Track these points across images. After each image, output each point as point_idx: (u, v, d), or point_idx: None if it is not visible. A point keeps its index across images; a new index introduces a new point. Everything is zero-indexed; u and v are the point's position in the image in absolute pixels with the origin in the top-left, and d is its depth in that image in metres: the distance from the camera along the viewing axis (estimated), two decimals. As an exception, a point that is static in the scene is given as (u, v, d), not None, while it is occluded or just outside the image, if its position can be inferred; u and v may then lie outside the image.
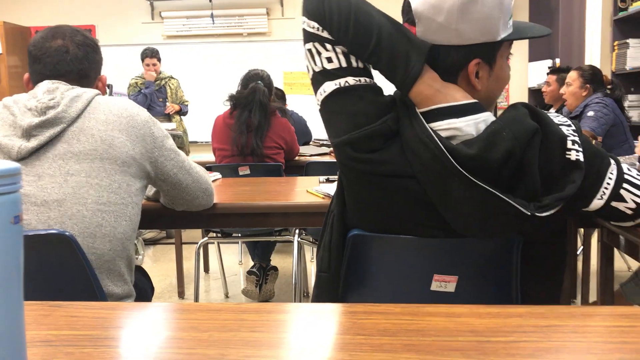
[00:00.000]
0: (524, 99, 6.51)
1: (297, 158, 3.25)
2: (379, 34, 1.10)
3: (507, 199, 1.02)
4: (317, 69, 1.16)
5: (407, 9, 1.13)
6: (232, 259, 3.96)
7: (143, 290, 1.58)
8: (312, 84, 1.20)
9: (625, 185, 1.15)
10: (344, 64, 1.14)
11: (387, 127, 1.09)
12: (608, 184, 1.13)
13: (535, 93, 6.26)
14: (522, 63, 6.49)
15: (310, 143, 4.18)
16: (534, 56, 6.36)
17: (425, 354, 0.65)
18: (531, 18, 6.37)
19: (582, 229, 3.06)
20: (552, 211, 1.04)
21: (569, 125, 1.10)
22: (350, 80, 1.13)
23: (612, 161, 1.15)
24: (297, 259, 2.71)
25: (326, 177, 2.27)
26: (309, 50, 1.17)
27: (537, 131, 1.05)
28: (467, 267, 1.20)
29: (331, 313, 0.81)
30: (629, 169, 1.19)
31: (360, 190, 1.16)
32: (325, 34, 1.14)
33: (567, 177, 1.07)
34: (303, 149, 3.47)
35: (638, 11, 4.37)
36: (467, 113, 1.08)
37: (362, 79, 1.14)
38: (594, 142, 2.84)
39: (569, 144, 1.07)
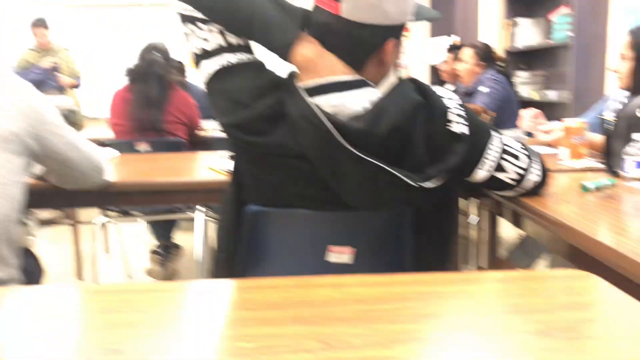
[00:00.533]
0: (425, 74, 6.71)
1: (200, 133, 3.18)
2: (252, 7, 1.10)
3: (395, 172, 1.05)
4: (196, 51, 1.16)
5: None
6: (135, 238, 3.84)
7: (31, 274, 1.50)
8: (195, 66, 1.19)
9: (506, 156, 1.22)
10: (221, 43, 1.13)
11: (272, 110, 1.09)
12: (490, 155, 1.19)
13: (433, 70, 6.47)
14: (422, 40, 6.67)
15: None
16: (434, 32, 6.56)
17: (311, 325, 0.67)
18: (432, -5, 6.54)
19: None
20: (436, 181, 1.09)
21: (452, 98, 1.14)
22: (231, 59, 1.13)
23: (494, 133, 1.22)
24: (202, 236, 2.67)
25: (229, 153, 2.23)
26: (186, 32, 1.16)
27: (422, 105, 1.08)
28: (362, 238, 1.23)
29: (221, 290, 0.81)
30: (510, 141, 1.26)
31: (252, 168, 1.17)
32: (198, 14, 1.13)
33: (450, 149, 1.11)
34: (205, 124, 3.40)
35: (528, -8, 4.59)
36: (353, 88, 1.09)
37: (242, 56, 1.14)
38: (488, 117, 2.99)
39: (451, 116, 1.11)
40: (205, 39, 1.13)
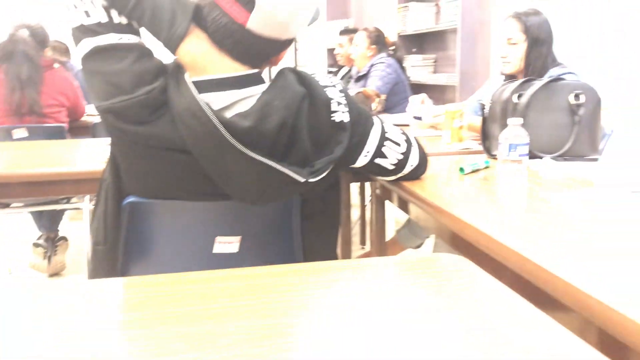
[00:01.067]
0: (324, 58, 6.75)
1: (84, 118, 3.01)
2: None
3: (282, 169, 1.04)
4: (74, 24, 1.06)
5: None
6: (15, 230, 3.60)
7: None
8: (73, 40, 1.10)
9: (386, 143, 1.24)
10: (103, 19, 1.05)
11: (153, 98, 1.03)
12: (372, 142, 1.21)
13: (332, 53, 6.53)
14: (318, 23, 6.70)
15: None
16: (330, 16, 6.60)
17: (176, 325, 0.64)
18: (327, -22, 6.56)
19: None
20: (324, 174, 1.09)
21: (334, 87, 1.14)
22: (112, 38, 1.05)
23: (376, 121, 1.24)
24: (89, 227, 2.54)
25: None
26: (67, 3, 1.06)
27: (305, 96, 1.07)
28: (250, 227, 1.21)
29: (86, 289, 0.76)
30: (390, 129, 1.28)
31: (131, 159, 1.11)
32: None
33: (334, 139, 1.12)
34: (91, 109, 3.22)
35: (417, -23, 4.72)
36: (247, 85, 1.07)
37: (126, 37, 1.06)
38: (378, 99, 3.05)
39: (334, 106, 1.11)
40: (86, 12, 1.05)
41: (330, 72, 5.89)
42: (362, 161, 1.22)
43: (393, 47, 3.63)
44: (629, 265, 0.81)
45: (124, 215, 1.15)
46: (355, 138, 1.18)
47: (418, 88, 4.88)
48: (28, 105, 2.61)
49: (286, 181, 1.06)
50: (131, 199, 1.14)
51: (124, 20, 1.07)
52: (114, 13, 1.06)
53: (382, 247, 1.68)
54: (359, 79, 3.57)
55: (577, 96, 1.65)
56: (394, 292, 0.73)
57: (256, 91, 1.07)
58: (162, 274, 0.79)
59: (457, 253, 1.16)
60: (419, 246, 2.49)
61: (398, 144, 1.27)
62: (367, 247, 3.27)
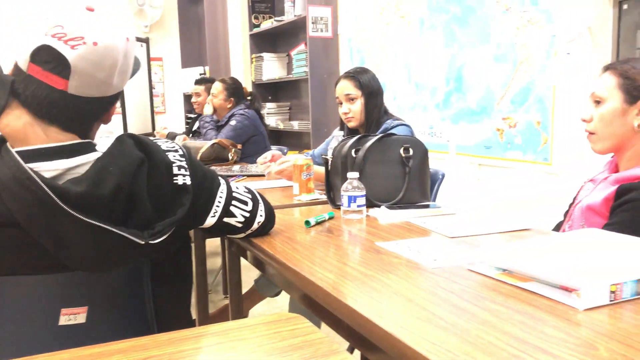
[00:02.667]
0: (180, 104, 6.72)
1: None
2: None
3: (120, 232, 1.05)
4: None
5: (57, 59, 1.05)
6: None
7: None
8: None
9: (234, 202, 1.30)
10: None
11: None
12: (219, 202, 1.26)
13: (189, 98, 6.52)
14: (176, 69, 6.68)
15: None
16: (186, 63, 6.62)
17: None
18: (181, 28, 6.60)
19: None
20: (165, 236, 1.11)
21: (176, 151, 1.18)
22: None
23: (222, 181, 1.29)
24: None
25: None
26: None
27: (143, 161, 1.09)
28: (97, 296, 1.19)
29: None
30: (237, 188, 1.35)
31: None
32: None
33: (177, 201, 1.15)
34: None
35: (269, 28, 4.93)
36: (73, 154, 1.07)
37: None
38: (234, 149, 3.11)
39: (175, 170, 1.14)
40: None
41: (188, 119, 5.88)
42: (210, 221, 1.26)
43: (250, 98, 3.74)
44: (444, 316, 0.93)
45: None
46: (202, 199, 1.22)
47: (275, 135, 5.05)
48: None
49: (125, 244, 1.06)
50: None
51: None
52: None
53: (240, 302, 1.72)
54: (219, 127, 3.63)
55: (406, 149, 1.83)
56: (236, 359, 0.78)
57: (89, 159, 1.07)
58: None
59: (307, 307, 1.23)
60: (277, 294, 2.56)
61: (245, 203, 1.34)
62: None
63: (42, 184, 0.99)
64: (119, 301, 1.24)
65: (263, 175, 2.68)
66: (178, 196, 1.15)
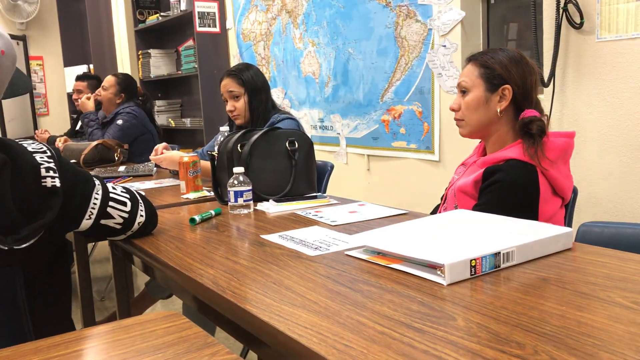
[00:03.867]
0: (64, 104, 6.39)
1: None
2: None
3: None
4: None
5: None
6: None
7: None
8: None
9: (111, 203, 1.27)
10: None
11: None
12: (95, 204, 1.22)
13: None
14: (58, 68, 6.33)
15: None
16: (68, 62, 6.29)
17: None
18: (62, 24, 6.26)
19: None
20: (32, 241, 1.06)
21: (44, 152, 1.13)
22: None
23: (97, 182, 1.25)
24: None
25: None
26: None
27: (5, 163, 1.04)
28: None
29: None
30: (114, 188, 1.31)
31: None
32: None
33: (45, 204, 1.10)
34: None
35: (155, 24, 4.79)
36: None
37: None
38: (120, 149, 3.01)
39: (43, 172, 1.10)
40: None
41: (73, 120, 5.60)
42: (86, 224, 1.22)
43: (142, 97, 3.61)
44: (319, 300, 0.96)
45: None
46: (76, 201, 1.18)
47: (167, 133, 4.92)
48: None
49: None
50: None
51: None
52: None
53: (127, 308, 1.67)
54: (105, 124, 3.48)
55: (292, 142, 1.86)
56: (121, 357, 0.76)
57: None
58: None
59: (195, 305, 1.22)
60: (169, 296, 2.51)
61: (124, 203, 1.30)
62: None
63: None
64: (-9, 314, 1.17)
65: (151, 175, 2.62)
66: (46, 199, 1.10)
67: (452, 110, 1.59)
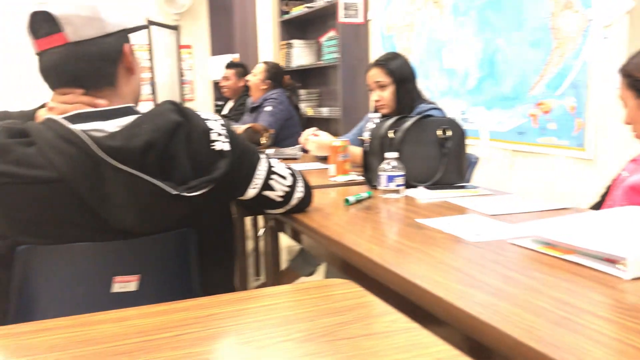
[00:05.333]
0: (209, 91, 6.79)
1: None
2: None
3: (154, 182, 1.09)
4: None
5: (46, 20, 1.13)
6: None
7: None
8: None
9: (274, 176, 1.34)
10: None
11: (1, 127, 1.10)
12: (259, 175, 1.30)
13: (218, 85, 6.58)
14: (205, 57, 6.74)
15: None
16: (215, 51, 6.68)
17: (92, 363, 0.69)
18: (211, 15, 6.65)
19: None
20: (199, 192, 1.14)
21: (216, 121, 1.23)
22: None
23: (262, 155, 1.34)
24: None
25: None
26: None
27: (180, 124, 1.14)
28: (147, 264, 1.24)
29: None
30: (276, 163, 1.39)
31: (8, 206, 1.11)
32: None
33: (214, 165, 1.19)
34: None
35: (299, 15, 4.95)
36: (115, 117, 1.14)
37: None
38: (267, 134, 3.16)
39: (214, 136, 1.19)
40: None
41: (217, 106, 5.94)
42: (251, 193, 1.31)
43: (289, 87, 3.77)
44: (491, 282, 0.96)
45: (15, 267, 1.14)
46: (243, 171, 1.27)
47: (304, 121, 5.07)
48: None
49: (159, 197, 1.10)
50: (19, 248, 1.13)
51: None
52: None
53: (276, 277, 1.76)
54: (253, 110, 3.68)
55: (444, 131, 1.85)
56: (293, 318, 0.82)
57: (125, 121, 1.13)
58: (71, 317, 0.82)
59: (347, 278, 1.27)
60: (311, 273, 2.60)
61: (284, 177, 1.38)
62: (262, 278, 3.33)
63: (85, 138, 1.06)
64: (167, 271, 1.29)
65: (296, 159, 2.72)
66: (215, 160, 1.19)
67: (626, 124, 1.54)
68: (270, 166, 1.34)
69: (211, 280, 1.31)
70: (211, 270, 1.30)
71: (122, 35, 1.21)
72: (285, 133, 3.56)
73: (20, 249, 1.13)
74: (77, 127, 1.09)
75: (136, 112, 1.17)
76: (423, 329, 0.74)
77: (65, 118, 1.11)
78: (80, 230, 1.13)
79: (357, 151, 2.16)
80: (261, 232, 3.47)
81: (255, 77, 3.70)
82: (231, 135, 1.23)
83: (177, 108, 1.17)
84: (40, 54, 1.16)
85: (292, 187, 1.40)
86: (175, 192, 1.11)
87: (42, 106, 1.24)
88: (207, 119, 1.21)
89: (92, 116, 1.13)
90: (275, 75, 3.72)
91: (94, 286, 1.21)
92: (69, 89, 1.16)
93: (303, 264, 2.52)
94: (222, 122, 1.24)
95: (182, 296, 1.29)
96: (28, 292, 1.17)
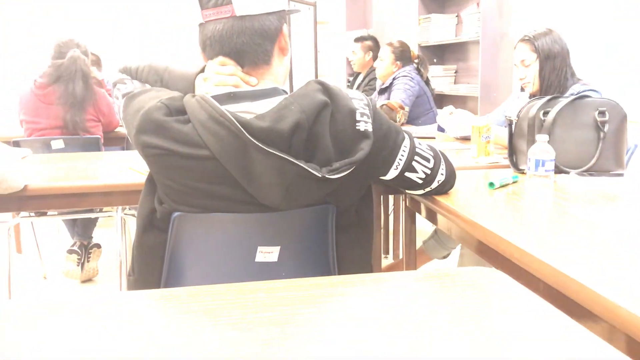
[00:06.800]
0: (343, 67, 6.83)
1: (117, 130, 3.12)
2: (166, 72, 1.39)
3: (299, 163, 1.11)
4: (119, 102, 1.34)
5: None
6: (49, 237, 3.71)
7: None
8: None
9: (416, 157, 1.31)
10: (137, 85, 1.35)
11: (167, 103, 1.16)
12: (402, 155, 1.27)
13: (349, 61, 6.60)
14: (339, 33, 6.78)
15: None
16: (350, 26, 6.68)
17: (247, 331, 0.71)
18: (347, -11, 6.65)
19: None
20: (342, 174, 1.15)
21: (361, 100, 1.21)
22: (137, 88, 1.31)
23: (406, 136, 1.30)
24: (121, 234, 2.63)
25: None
26: (115, 95, 1.39)
27: (327, 105, 1.14)
28: (287, 237, 1.27)
29: (153, 300, 0.83)
30: (420, 144, 1.35)
31: (165, 176, 1.19)
32: (126, 77, 1.40)
33: (358, 146, 1.17)
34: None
35: (439, -11, 4.78)
36: (265, 97, 1.17)
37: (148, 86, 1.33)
38: (402, 111, 3.11)
39: (358, 116, 1.17)
40: (126, 89, 1.34)
41: (348, 81, 5.97)
42: (392, 174, 1.28)
43: (417, 61, 3.69)
44: (658, 280, 0.87)
45: (172, 228, 1.22)
46: (386, 150, 1.24)
47: (439, 98, 4.94)
48: (72, 123, 2.73)
49: (305, 178, 1.12)
50: (174, 214, 1.21)
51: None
52: (146, 86, 1.35)
53: (413, 258, 1.74)
54: (382, 91, 3.64)
55: (602, 113, 1.70)
56: (426, 305, 0.79)
57: (273, 103, 1.15)
58: (225, 284, 0.86)
59: (485, 264, 1.22)
60: (445, 257, 2.55)
61: (427, 159, 1.33)
62: (390, 257, 3.32)
63: (234, 120, 1.09)
64: (305, 245, 1.31)
65: (433, 138, 2.66)
66: (358, 141, 1.17)
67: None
68: (413, 147, 1.30)
69: (347, 258, 1.31)
70: (348, 248, 1.31)
71: (282, 15, 1.23)
72: (418, 111, 3.48)
73: (175, 215, 1.21)
74: (228, 108, 1.12)
75: (284, 93, 1.20)
76: (577, 323, 0.69)
77: (217, 97, 1.15)
78: (229, 202, 1.19)
79: (501, 132, 2.06)
80: (390, 210, 3.46)
81: (383, 61, 3.65)
82: (375, 115, 1.21)
83: (324, 88, 1.17)
84: (204, 24, 1.21)
85: (434, 169, 1.35)
86: (320, 175, 1.12)
87: (202, 70, 1.29)
88: (353, 98, 1.20)
89: (242, 97, 1.17)
90: (402, 53, 3.64)
91: (237, 255, 1.27)
92: (228, 60, 1.20)
93: (437, 247, 2.47)
94: (366, 101, 1.22)
95: (318, 270, 1.32)
96: (178, 257, 1.26)
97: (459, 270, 0.93)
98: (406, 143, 1.28)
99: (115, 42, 6.39)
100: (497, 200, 1.42)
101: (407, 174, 1.30)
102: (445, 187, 1.43)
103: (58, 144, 2.71)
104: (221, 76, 1.20)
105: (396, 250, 3.31)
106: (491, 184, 1.53)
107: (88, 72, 2.79)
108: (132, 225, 3.25)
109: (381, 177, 1.30)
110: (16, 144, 2.63)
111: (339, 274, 1.30)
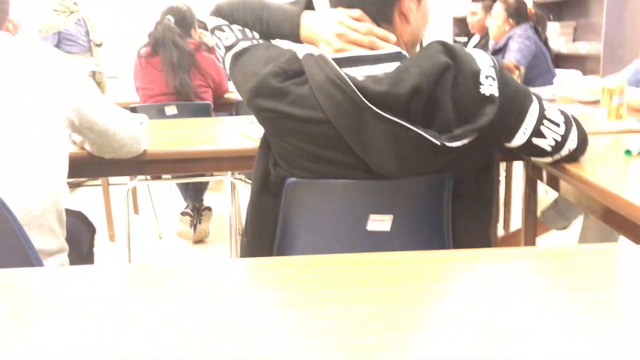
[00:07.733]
0: (449, 28, 6.57)
1: (227, 95, 3.18)
2: (262, 12, 1.27)
3: (416, 130, 1.05)
4: (221, 52, 1.28)
5: None
6: (163, 199, 3.90)
7: (77, 238, 1.53)
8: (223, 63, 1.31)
9: (545, 122, 1.19)
10: (239, 37, 1.26)
11: (284, 67, 1.12)
12: (530, 120, 1.17)
13: (459, 22, 6.32)
14: (448, -9, 6.50)
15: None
16: (458, -16, 6.38)
17: (372, 305, 0.67)
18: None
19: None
20: (464, 141, 1.07)
21: (487, 61, 1.11)
22: (244, 44, 1.24)
23: (535, 98, 1.19)
24: (231, 198, 2.70)
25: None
26: (216, 44, 1.30)
27: (449, 67, 1.06)
28: (401, 206, 1.23)
29: (273, 267, 0.81)
30: (549, 107, 1.23)
31: (280, 139, 1.17)
32: (222, 22, 1.30)
33: (480, 111, 1.09)
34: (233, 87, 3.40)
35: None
36: (384, 61, 1.11)
37: (255, 42, 1.24)
38: (517, 72, 2.94)
39: (482, 78, 1.08)
40: (227, 38, 1.27)
41: (456, 42, 5.72)
42: (519, 140, 1.18)
43: (535, 19, 3.44)
44: None
45: (285, 195, 1.21)
46: (513, 115, 1.14)
47: (555, 59, 4.61)
48: (179, 88, 2.81)
49: (422, 145, 1.06)
50: (288, 180, 1.19)
51: (256, 36, 1.27)
52: (248, 32, 1.27)
53: (533, 230, 1.64)
54: (496, 52, 3.44)
55: None
56: (566, 284, 0.72)
57: (393, 67, 1.09)
58: (344, 254, 0.83)
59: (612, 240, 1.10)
60: (565, 227, 2.40)
61: (557, 125, 1.22)
62: (500, 227, 3.19)
63: (351, 84, 1.04)
64: (419, 215, 1.26)
65: (554, 100, 2.48)
66: (482, 106, 1.09)
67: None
68: (542, 110, 1.19)
69: (463, 230, 1.24)
70: (464, 220, 1.24)
71: None
72: (535, 72, 3.26)
73: (288, 182, 1.20)
74: (347, 71, 1.08)
75: (405, 58, 1.12)
76: None
77: (336, 59, 1.10)
78: (342, 168, 1.15)
79: (634, 94, 1.87)
80: (502, 176, 3.30)
81: (495, 19, 3.42)
82: (501, 77, 1.11)
83: (446, 49, 1.08)
84: None
85: (565, 136, 1.23)
86: (439, 143, 1.05)
87: (306, 6, 1.24)
88: (477, 59, 1.11)
89: (363, 60, 1.11)
90: (517, 10, 3.39)
91: (349, 223, 1.24)
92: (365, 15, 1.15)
93: (556, 217, 2.33)
94: (492, 62, 1.12)
95: (432, 242, 1.26)
96: (291, 222, 1.25)
97: (580, 247, 0.84)
98: (535, 106, 1.17)
99: None
100: (635, 169, 1.29)
101: (535, 140, 1.19)
102: (577, 155, 1.31)
103: (171, 109, 2.81)
104: (358, 34, 1.14)
105: (507, 220, 3.17)
106: (628, 152, 1.39)
107: (177, 40, 2.81)
108: (240, 189, 3.34)
109: (506, 144, 1.21)
110: (133, 110, 2.75)
111: (454, 247, 1.23)
